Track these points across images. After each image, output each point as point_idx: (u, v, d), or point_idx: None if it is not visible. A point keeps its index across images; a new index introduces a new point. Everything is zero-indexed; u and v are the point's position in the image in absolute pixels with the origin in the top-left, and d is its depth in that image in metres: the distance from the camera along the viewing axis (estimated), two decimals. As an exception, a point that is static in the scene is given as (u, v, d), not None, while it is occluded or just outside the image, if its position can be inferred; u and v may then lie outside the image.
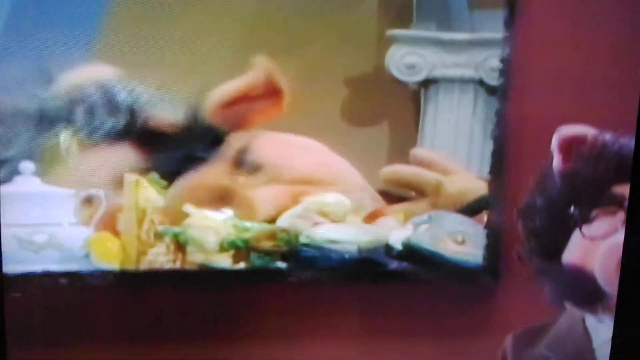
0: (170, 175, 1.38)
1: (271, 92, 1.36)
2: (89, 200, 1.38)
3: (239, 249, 1.39)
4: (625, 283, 1.08)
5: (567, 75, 1.19)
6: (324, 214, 1.40)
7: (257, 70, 1.36)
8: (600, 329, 1.10)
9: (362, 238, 1.39)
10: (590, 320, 1.11)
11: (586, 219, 1.06)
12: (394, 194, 1.43)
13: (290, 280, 1.33)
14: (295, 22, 1.41)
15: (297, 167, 1.41)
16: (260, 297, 1.33)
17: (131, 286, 1.35)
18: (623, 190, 1.03)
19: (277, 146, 1.41)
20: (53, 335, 1.34)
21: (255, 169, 1.41)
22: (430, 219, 1.36)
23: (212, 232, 1.38)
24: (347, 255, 1.39)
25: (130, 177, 1.37)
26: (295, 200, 1.41)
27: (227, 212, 1.41)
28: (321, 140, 1.42)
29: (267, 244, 1.40)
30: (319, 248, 1.38)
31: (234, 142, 1.39)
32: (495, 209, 1.20)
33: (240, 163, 1.40)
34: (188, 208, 1.39)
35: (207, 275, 1.36)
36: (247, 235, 1.39)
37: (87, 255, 1.37)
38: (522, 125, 1.20)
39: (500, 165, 1.22)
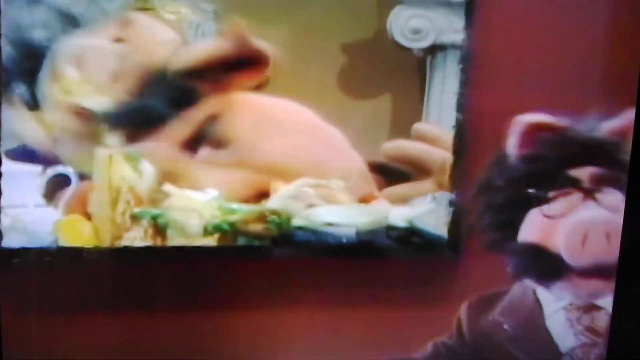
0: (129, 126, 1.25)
1: (250, 58, 1.25)
2: (56, 179, 1.25)
3: (225, 233, 1.28)
4: (622, 282, 1.18)
5: (526, 63, 1.28)
6: (319, 195, 1.29)
7: (230, 34, 1.24)
8: (552, 296, 1.20)
9: (360, 220, 1.29)
10: (542, 290, 1.21)
11: (544, 199, 1.16)
12: (389, 175, 1.34)
13: (269, 257, 1.32)
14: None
15: (267, 152, 1.29)
16: (242, 270, 1.35)
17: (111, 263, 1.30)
18: (578, 173, 1.15)
19: (253, 119, 1.28)
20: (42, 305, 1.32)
21: (220, 143, 1.28)
22: (434, 199, 1.31)
23: (195, 214, 1.27)
24: (344, 239, 1.30)
25: (103, 152, 1.24)
26: (257, 195, 1.29)
27: (212, 192, 1.29)
28: (316, 112, 1.31)
29: (256, 227, 1.29)
30: (315, 231, 1.28)
31: (206, 106, 1.25)
32: (458, 187, 1.27)
33: (205, 133, 1.26)
34: (167, 187, 1.28)
35: (188, 253, 1.30)
36: (233, 217, 1.28)
37: (55, 240, 1.26)
38: (483, 110, 1.27)
39: (461, 146, 1.27)
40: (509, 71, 1.29)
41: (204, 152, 1.29)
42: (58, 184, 1.26)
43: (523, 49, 1.29)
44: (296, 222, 1.29)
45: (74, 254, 1.27)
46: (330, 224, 1.28)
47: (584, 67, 1.29)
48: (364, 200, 1.31)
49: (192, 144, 1.28)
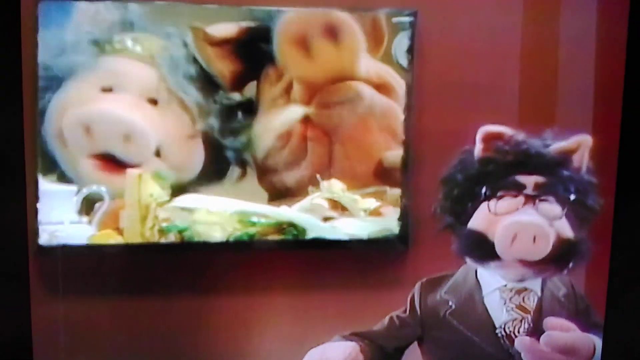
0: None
1: None
2: (90, 198, 1.34)
3: (246, 244, 1.37)
4: (615, 284, 1.25)
5: (478, 80, 1.47)
6: (334, 207, 1.38)
7: None
8: (489, 279, 1.33)
9: (373, 229, 1.41)
10: (481, 272, 1.34)
11: (493, 197, 1.28)
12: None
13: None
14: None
15: None
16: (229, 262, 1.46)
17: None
18: (525, 179, 1.28)
19: None
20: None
21: None
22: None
23: (217, 227, 1.36)
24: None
25: (133, 172, 1.34)
26: None
27: (233, 205, 1.38)
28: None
29: (273, 238, 1.39)
30: (328, 243, 1.39)
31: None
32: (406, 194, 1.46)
33: None
34: (191, 202, 1.36)
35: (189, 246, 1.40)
36: (253, 230, 1.37)
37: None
38: (424, 132, 1.46)
39: (409, 160, 1.46)
40: (461, 89, 1.46)
41: None
42: (92, 202, 1.35)
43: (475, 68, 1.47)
44: (310, 234, 1.39)
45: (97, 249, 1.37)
46: (344, 236, 1.39)
47: (540, 91, 1.47)
48: (376, 212, 1.43)
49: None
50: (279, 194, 1.42)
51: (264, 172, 1.41)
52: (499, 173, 1.31)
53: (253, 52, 1.38)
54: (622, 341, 1.30)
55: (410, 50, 1.42)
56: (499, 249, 1.27)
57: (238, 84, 1.39)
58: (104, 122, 1.34)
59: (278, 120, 1.40)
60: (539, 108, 1.48)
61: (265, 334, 1.46)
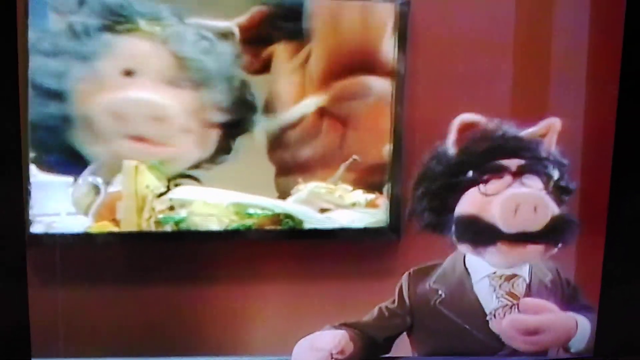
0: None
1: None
2: (87, 189, 1.34)
3: (242, 235, 1.38)
4: (606, 282, 1.41)
5: (458, 71, 1.47)
6: (329, 200, 1.39)
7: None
8: (478, 267, 1.37)
9: (370, 220, 1.42)
10: (470, 259, 1.39)
11: (481, 181, 1.33)
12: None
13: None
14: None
15: None
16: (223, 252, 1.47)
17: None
18: (507, 162, 1.34)
19: None
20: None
21: None
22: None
23: (214, 219, 1.36)
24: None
25: (129, 163, 1.33)
26: None
27: (229, 197, 1.38)
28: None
29: (270, 228, 1.39)
30: (322, 233, 1.40)
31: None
32: (397, 181, 1.46)
33: None
34: (189, 194, 1.37)
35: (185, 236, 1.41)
36: (250, 221, 1.38)
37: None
38: (419, 115, 1.46)
39: (399, 150, 1.45)
40: (442, 78, 1.47)
41: None
42: (88, 193, 1.34)
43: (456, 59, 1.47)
44: (307, 225, 1.40)
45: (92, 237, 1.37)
46: (340, 227, 1.41)
47: (534, 82, 1.49)
48: (372, 203, 1.44)
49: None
50: (287, 170, 1.42)
51: (275, 147, 1.41)
52: (481, 159, 1.36)
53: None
54: (614, 326, 1.36)
55: (402, 40, 1.42)
56: (501, 222, 1.32)
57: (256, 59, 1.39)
58: (133, 107, 1.34)
59: (292, 112, 1.40)
60: (533, 99, 1.49)
61: (259, 323, 1.48)
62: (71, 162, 1.32)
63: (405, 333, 1.44)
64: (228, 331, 1.47)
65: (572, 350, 1.40)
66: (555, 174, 1.36)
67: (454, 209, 1.38)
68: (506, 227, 1.33)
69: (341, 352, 1.36)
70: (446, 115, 1.42)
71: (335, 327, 1.40)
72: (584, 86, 1.49)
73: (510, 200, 1.32)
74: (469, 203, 1.37)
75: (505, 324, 1.36)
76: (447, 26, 1.46)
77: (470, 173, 1.35)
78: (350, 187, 1.41)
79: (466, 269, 1.40)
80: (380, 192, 1.43)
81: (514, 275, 1.39)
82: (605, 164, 1.43)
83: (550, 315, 1.38)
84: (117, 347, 1.42)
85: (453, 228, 1.38)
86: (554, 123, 1.38)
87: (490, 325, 1.38)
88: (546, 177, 1.35)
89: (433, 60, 1.46)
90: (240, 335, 1.48)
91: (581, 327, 1.41)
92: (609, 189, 1.42)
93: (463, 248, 1.39)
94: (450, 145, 1.37)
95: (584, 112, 1.48)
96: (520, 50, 1.49)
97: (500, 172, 1.35)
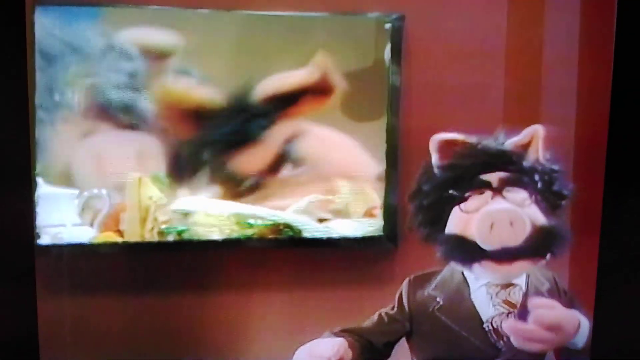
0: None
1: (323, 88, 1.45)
2: (91, 200, 1.38)
3: (243, 245, 1.41)
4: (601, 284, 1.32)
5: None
6: (328, 209, 1.42)
7: (316, 66, 1.42)
8: (475, 277, 1.36)
9: (368, 229, 1.45)
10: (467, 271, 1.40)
11: (462, 198, 1.32)
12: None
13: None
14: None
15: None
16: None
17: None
18: (488, 177, 1.32)
19: (319, 141, 1.47)
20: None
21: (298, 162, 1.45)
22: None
23: (216, 229, 1.39)
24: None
25: (133, 175, 1.37)
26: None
27: (230, 208, 1.42)
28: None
29: (270, 238, 1.42)
30: (322, 242, 1.43)
31: (283, 129, 1.43)
32: (392, 194, 1.50)
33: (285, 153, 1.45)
34: (190, 205, 1.40)
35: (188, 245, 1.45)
36: (250, 231, 1.41)
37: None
38: (411, 133, 1.53)
39: (394, 161, 1.50)
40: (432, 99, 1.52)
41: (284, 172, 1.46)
42: (93, 205, 1.39)
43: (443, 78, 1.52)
44: (306, 234, 1.43)
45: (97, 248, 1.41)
46: (338, 237, 1.44)
47: (525, 91, 1.54)
48: (369, 213, 1.47)
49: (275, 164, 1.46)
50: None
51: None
52: (463, 176, 1.35)
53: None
54: (611, 334, 1.36)
55: (397, 54, 1.46)
56: (479, 240, 1.30)
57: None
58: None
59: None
60: (525, 109, 1.53)
61: (260, 330, 1.51)
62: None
63: (405, 340, 1.44)
64: (229, 338, 1.51)
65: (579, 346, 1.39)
66: (542, 182, 1.34)
67: (445, 226, 1.38)
68: (485, 244, 1.31)
69: (340, 359, 1.38)
70: (447, 126, 1.41)
71: (335, 334, 1.40)
72: (576, 94, 1.52)
73: (485, 217, 1.30)
74: (451, 222, 1.36)
75: (530, 322, 1.30)
76: (441, 39, 1.49)
77: (451, 191, 1.35)
78: (347, 197, 1.44)
79: (464, 277, 1.40)
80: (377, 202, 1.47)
81: (511, 284, 1.38)
82: (599, 171, 1.45)
83: (563, 310, 1.34)
84: (122, 354, 1.46)
85: (439, 246, 1.38)
86: (537, 130, 1.37)
87: (502, 327, 1.35)
88: (532, 187, 1.34)
89: (427, 73, 1.50)
90: (241, 342, 1.51)
91: (583, 323, 1.41)
92: (602, 196, 1.43)
93: (452, 264, 1.40)
94: (434, 164, 1.37)
95: (576, 119, 1.51)
96: (513, 61, 1.52)
97: (480, 187, 1.34)
